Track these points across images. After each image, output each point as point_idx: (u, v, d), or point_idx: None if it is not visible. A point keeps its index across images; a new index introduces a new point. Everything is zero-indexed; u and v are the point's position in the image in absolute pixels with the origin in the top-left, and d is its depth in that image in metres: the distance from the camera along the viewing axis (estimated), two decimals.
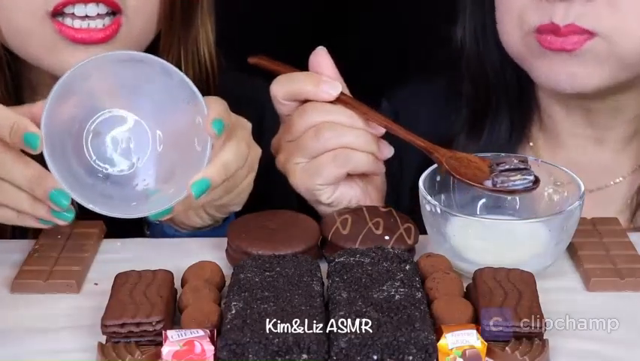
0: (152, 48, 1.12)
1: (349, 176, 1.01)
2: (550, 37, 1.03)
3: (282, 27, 1.60)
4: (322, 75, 1.01)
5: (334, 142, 0.98)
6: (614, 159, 1.15)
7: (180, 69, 1.12)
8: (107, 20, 1.03)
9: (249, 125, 0.99)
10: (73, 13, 1.02)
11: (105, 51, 1.01)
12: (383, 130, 1.00)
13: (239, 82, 1.26)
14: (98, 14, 1.02)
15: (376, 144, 1.00)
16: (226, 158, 0.91)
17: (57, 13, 1.02)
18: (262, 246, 0.91)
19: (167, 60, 1.10)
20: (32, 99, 1.15)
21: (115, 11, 1.03)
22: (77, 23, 1.02)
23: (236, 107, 1.23)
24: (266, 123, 1.25)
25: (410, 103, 1.23)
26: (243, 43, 1.51)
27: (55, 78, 1.06)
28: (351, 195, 1.02)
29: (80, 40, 1.02)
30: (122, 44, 1.05)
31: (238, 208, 1.02)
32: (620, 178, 1.15)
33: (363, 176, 1.03)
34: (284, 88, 1.01)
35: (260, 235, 0.93)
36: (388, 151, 1.02)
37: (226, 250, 0.94)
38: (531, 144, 1.18)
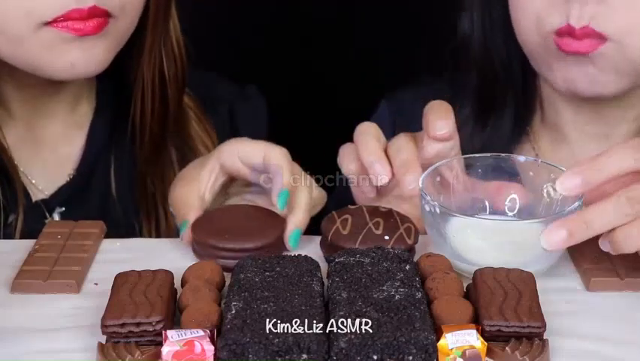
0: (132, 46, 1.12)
1: None
2: (567, 39, 1.04)
3: (276, 26, 1.60)
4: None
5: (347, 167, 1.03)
6: None
7: (162, 64, 1.14)
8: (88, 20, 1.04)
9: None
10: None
11: (98, 45, 1.04)
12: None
13: (208, 82, 1.26)
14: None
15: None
16: (306, 201, 0.97)
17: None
18: (227, 239, 0.92)
19: (150, 59, 1.12)
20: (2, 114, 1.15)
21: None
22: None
23: (205, 108, 1.25)
24: (236, 124, 1.26)
25: (409, 104, 1.23)
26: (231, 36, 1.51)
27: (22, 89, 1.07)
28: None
29: (77, 31, 1.02)
30: (112, 39, 1.06)
31: None
32: None
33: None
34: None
35: (225, 229, 0.93)
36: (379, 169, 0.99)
37: (192, 247, 0.94)
38: (532, 140, 1.18)
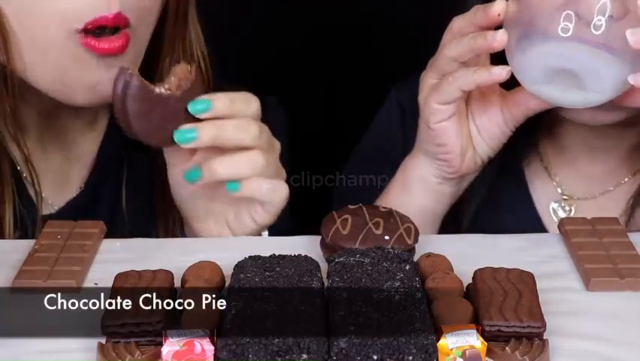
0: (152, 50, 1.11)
1: (462, 120, 1.04)
2: None
3: (283, 24, 1.60)
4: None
5: (454, 50, 1.01)
6: (619, 165, 1.16)
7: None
8: (114, 37, 1.02)
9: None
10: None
11: (121, 64, 1.00)
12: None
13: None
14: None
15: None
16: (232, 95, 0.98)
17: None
18: None
19: (169, 63, 1.10)
20: None
21: (122, 27, 1.02)
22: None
23: None
24: None
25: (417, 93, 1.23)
26: (240, 34, 1.51)
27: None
28: (452, 136, 1.05)
29: (103, 51, 1.01)
30: (132, 56, 1.05)
31: (269, 216, 1.03)
32: (622, 181, 1.15)
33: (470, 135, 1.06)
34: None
35: None
36: (499, 40, 0.98)
37: None
38: (540, 153, 1.18)
